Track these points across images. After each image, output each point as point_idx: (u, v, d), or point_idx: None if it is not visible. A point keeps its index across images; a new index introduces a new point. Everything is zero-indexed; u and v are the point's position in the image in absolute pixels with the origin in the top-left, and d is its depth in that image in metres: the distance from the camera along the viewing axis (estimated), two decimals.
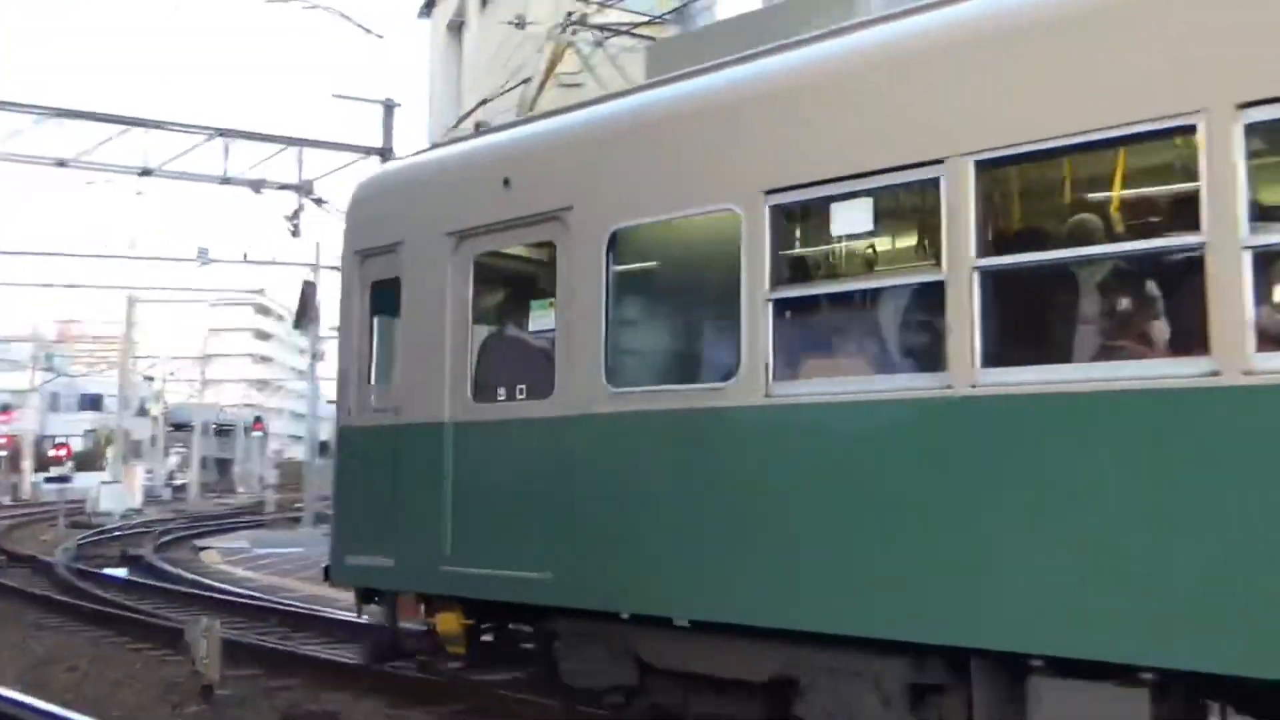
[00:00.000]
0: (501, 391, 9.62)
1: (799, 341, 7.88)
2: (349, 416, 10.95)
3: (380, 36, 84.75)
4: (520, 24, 23.13)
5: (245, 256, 46.88)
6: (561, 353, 9.05)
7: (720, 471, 7.90)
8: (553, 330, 9.22)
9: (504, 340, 10.09)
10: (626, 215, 8.74)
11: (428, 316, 10.21)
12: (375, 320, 10.90)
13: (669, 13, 18.97)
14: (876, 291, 7.83)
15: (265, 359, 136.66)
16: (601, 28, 17.77)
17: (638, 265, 9.12)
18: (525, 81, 20.16)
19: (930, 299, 7.03)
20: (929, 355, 7.11)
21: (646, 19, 18.67)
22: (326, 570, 11.14)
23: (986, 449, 6.68)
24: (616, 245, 8.79)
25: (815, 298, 8.06)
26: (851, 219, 7.54)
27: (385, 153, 31.97)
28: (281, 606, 17.40)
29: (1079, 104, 6.47)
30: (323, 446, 57.07)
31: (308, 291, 9.23)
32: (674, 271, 9.15)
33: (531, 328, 9.74)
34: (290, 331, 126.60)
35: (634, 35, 17.71)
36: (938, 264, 6.99)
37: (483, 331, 10.09)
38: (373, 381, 10.89)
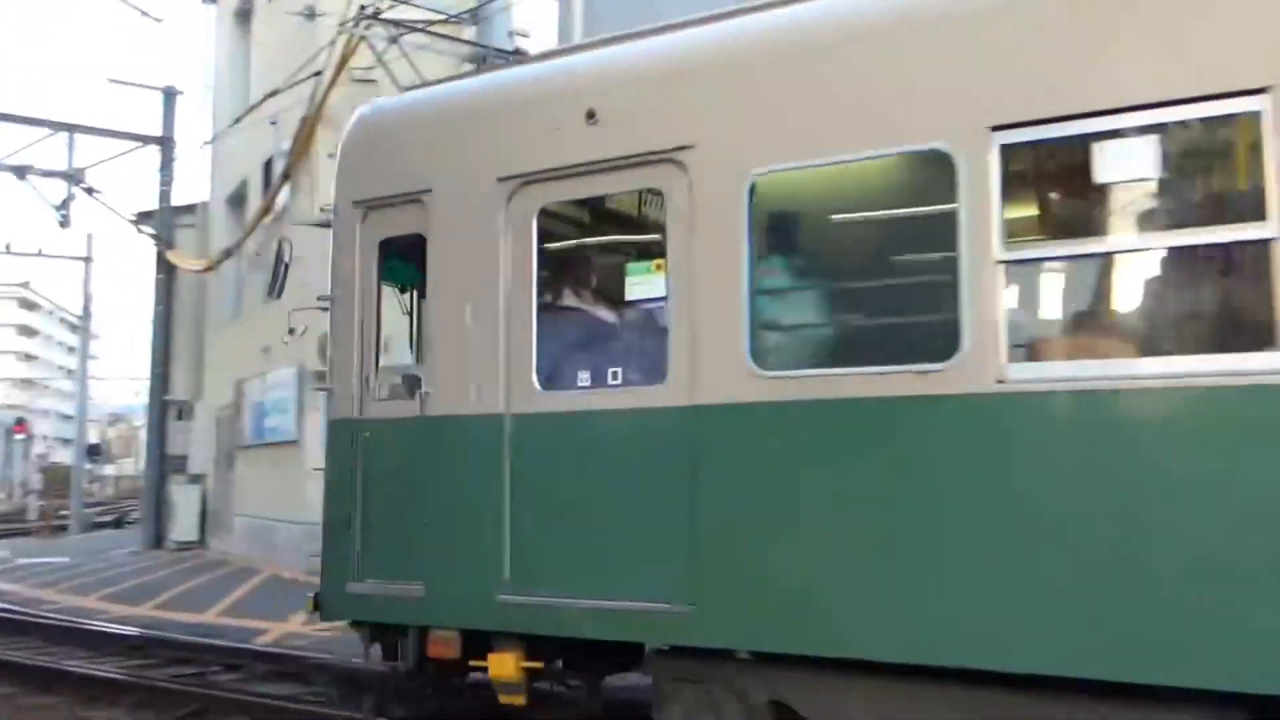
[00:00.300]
0: (584, 377, 7.70)
1: (1039, 313, 6.85)
2: (349, 408, 8.63)
3: (159, 20, 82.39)
4: (310, 15, 22.57)
5: (8, 248, 45.18)
6: (681, 329, 7.17)
7: (934, 474, 6.24)
8: (661, 300, 7.40)
9: (584, 313, 8.30)
10: (775, 157, 6.97)
11: (470, 283, 8.11)
12: (383, 289, 8.88)
13: (465, 12, 18.78)
14: (1164, 251, 6.28)
15: (30, 357, 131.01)
16: (396, 23, 17.46)
17: (790, 219, 7.36)
18: (317, 75, 19.61)
19: (1251, 259, 5.79)
20: (1254, 330, 5.76)
21: (442, 17, 18.42)
22: (315, 599, 8.70)
23: None
24: (757, 194, 7.03)
25: (1070, 258, 6.59)
26: (1127, 161, 5.99)
27: (165, 141, 30.88)
28: (42, 620, 16.61)
29: None
30: (92, 450, 54.90)
31: (284, 252, 7.99)
32: (842, 228, 7.30)
33: (629, 296, 7.79)
34: (59, 327, 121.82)
35: (429, 33, 17.34)
36: (1262, 217, 5.64)
37: (552, 302, 8.26)
38: (380, 365, 8.70)
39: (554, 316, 8.13)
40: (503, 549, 7.76)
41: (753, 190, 7.04)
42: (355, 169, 8.92)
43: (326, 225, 9.26)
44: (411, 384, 8.40)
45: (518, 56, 9.70)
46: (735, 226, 7.06)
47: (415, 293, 9.26)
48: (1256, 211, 5.73)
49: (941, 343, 6.32)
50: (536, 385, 7.80)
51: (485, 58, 11.82)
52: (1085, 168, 6.15)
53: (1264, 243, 5.66)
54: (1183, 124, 6.01)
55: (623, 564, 7.32)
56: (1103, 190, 6.36)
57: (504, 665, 7.91)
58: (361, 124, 9.04)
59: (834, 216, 7.38)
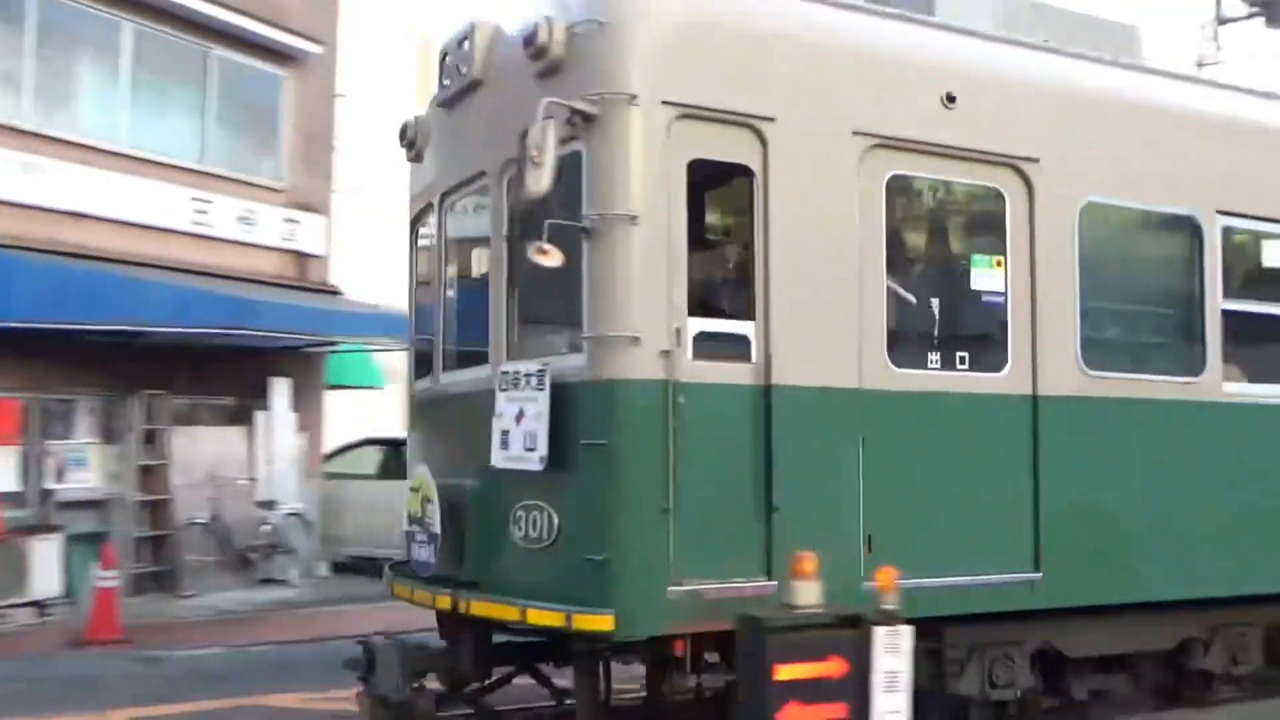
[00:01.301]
0: (934, 358, 8.02)
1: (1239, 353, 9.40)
2: (649, 365, 6.99)
3: None
4: None
5: None
6: (1019, 323, 8.42)
7: (1201, 457, 8.96)
8: (999, 294, 8.31)
9: (930, 292, 8.29)
10: (1104, 190, 8.78)
11: (822, 241, 7.65)
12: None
13: None
14: None
15: None
16: None
17: (1107, 246, 8.98)
18: None
19: None
20: None
21: None
22: (617, 616, 6.87)
23: None
24: (1085, 218, 8.73)
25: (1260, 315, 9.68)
26: None
27: None
28: None
29: None
30: None
31: None
32: (1137, 262, 9.37)
33: (973, 286, 8.31)
34: None
35: None
36: None
37: (896, 276, 8.02)
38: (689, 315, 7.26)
39: (899, 293, 8.06)
40: (858, 531, 7.60)
41: (1083, 213, 8.66)
42: (669, 57, 7.39)
43: None
44: (738, 344, 7.43)
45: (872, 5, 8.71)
46: (1068, 243, 8.58)
47: (727, 234, 8.52)
48: None
49: (1195, 363, 9.06)
50: (887, 361, 7.87)
51: None
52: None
53: None
54: None
55: (971, 541, 8.09)
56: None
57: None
58: (675, 5, 7.60)
59: (1134, 251, 9.41)
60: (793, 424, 7.35)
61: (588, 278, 7.24)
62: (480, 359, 8.23)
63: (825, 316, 7.60)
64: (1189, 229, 8.97)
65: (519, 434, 7.42)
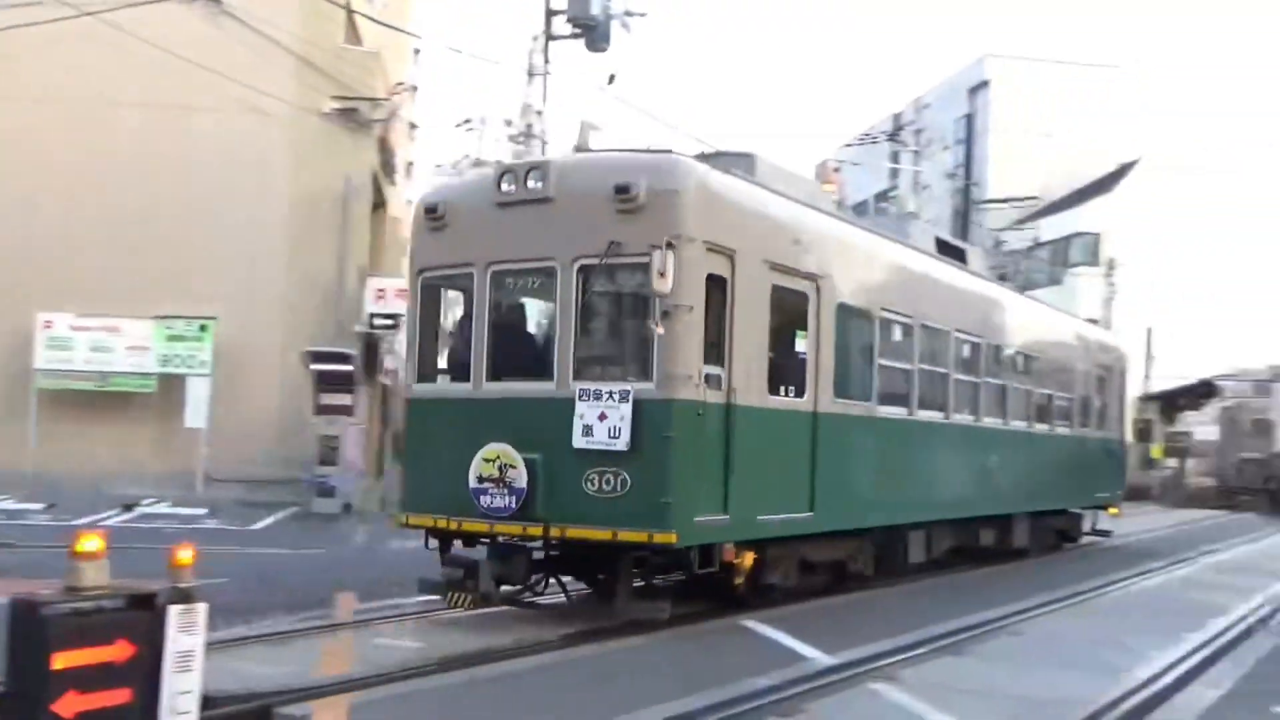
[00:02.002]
0: (781, 390, 14.44)
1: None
2: (692, 392, 12.85)
3: None
4: None
5: None
6: (809, 370, 14.82)
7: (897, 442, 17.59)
8: (804, 354, 14.78)
9: (781, 352, 14.45)
10: (848, 297, 15.60)
11: (750, 319, 13.65)
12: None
13: None
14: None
15: None
16: None
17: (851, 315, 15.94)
18: None
19: None
20: None
21: None
22: (677, 534, 12.34)
23: None
24: (839, 312, 15.40)
25: None
26: None
27: None
28: None
29: None
30: None
31: None
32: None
33: (796, 348, 14.71)
34: None
35: None
36: None
37: (771, 343, 14.26)
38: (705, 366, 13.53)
39: (769, 354, 14.08)
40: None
41: (836, 309, 15.22)
42: (700, 213, 12.87)
43: None
44: (719, 380, 13.18)
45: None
46: (830, 325, 14.97)
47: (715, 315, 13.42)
48: None
49: (869, 394, 16.52)
50: (768, 392, 13.86)
51: None
52: None
53: None
54: None
55: (785, 495, 14.29)
56: None
57: (747, 560, 13.97)
58: (704, 184, 13.13)
59: (852, 330, 16.01)
60: (740, 426, 13.35)
61: (657, 335, 12.53)
62: (531, 375, 13.35)
63: (751, 365, 13.63)
64: (868, 319, 16.39)
65: (602, 427, 12.55)
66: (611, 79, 23.92)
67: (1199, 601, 17.46)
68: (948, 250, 20.65)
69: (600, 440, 12.72)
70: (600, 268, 12.99)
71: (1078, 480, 26.28)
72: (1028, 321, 23.48)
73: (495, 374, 13.90)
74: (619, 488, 12.66)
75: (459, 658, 11.80)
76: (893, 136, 51.74)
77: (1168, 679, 11.45)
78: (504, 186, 13.87)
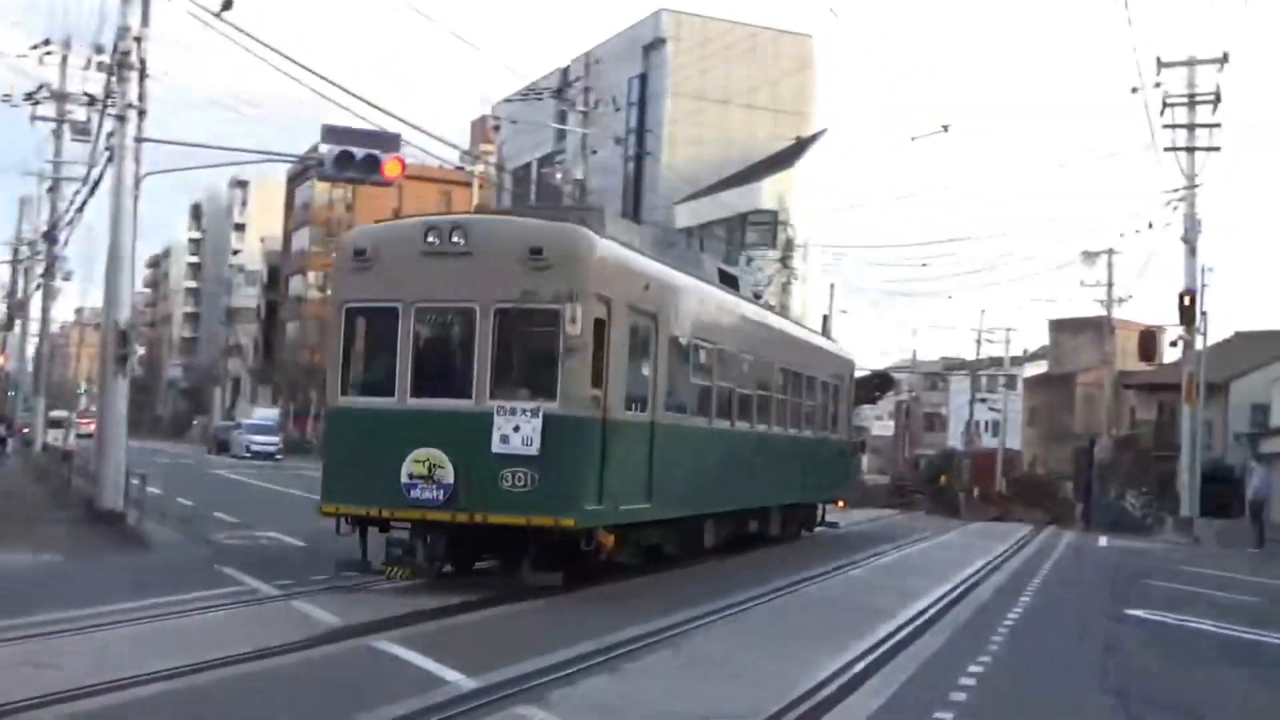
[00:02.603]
0: (632, 406, 19.01)
1: None
2: (582, 407, 17.66)
3: None
4: None
5: None
6: (649, 390, 19.48)
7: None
8: (648, 378, 19.46)
9: (638, 375, 19.49)
10: (682, 333, 20.80)
11: (624, 352, 18.75)
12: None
13: None
14: None
15: None
16: None
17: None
18: None
19: None
20: None
21: None
22: (576, 519, 17.26)
23: None
24: (673, 343, 20.40)
25: None
26: None
27: None
28: None
29: None
30: None
31: None
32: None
33: (643, 373, 19.44)
34: None
35: None
36: None
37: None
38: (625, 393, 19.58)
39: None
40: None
41: (669, 341, 20.06)
42: (595, 274, 17.59)
43: None
44: (597, 400, 17.72)
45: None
46: (664, 354, 19.74)
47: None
48: None
49: (707, 412, 22.70)
50: (623, 408, 18.49)
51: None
52: None
53: None
54: None
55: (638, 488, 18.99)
56: None
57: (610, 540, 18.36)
58: (596, 248, 17.95)
59: (681, 359, 21.07)
60: (611, 435, 17.83)
61: (563, 366, 17.27)
62: (451, 393, 17.50)
63: (617, 387, 18.09)
64: (686, 346, 21.10)
65: (517, 437, 17.01)
66: (227, 5, 22.47)
67: (868, 605, 18.62)
68: (726, 279, 25.50)
69: (515, 447, 17.12)
70: (514, 311, 17.52)
71: (817, 478, 31.87)
72: (783, 338, 28.86)
73: (418, 391, 17.92)
74: (529, 484, 17.06)
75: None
76: (559, 94, 51.04)
77: (831, 688, 11.75)
78: (430, 239, 17.96)
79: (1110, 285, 60.92)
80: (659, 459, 19.66)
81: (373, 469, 17.70)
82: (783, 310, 42.87)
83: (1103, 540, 40.70)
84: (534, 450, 17.09)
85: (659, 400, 19.83)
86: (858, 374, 37.40)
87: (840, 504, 35.04)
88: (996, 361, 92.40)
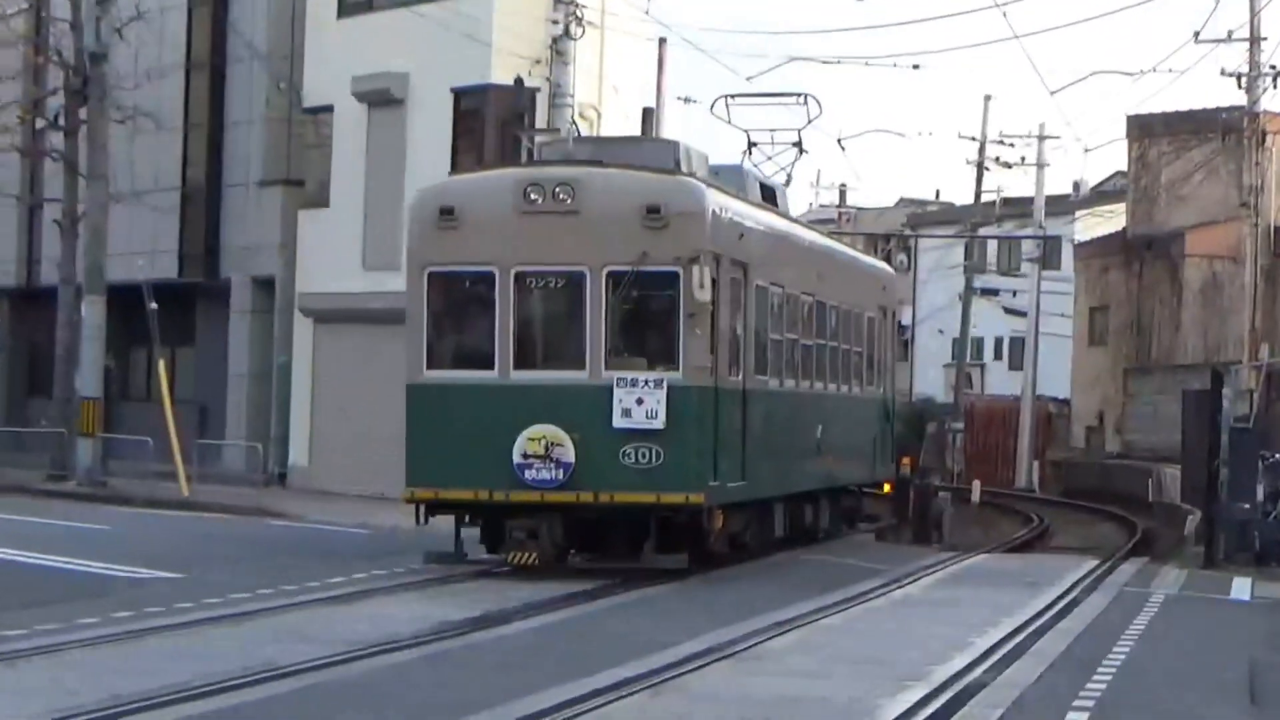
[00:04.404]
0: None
1: None
2: (707, 377, 21.66)
3: None
4: None
5: None
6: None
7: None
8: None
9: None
10: (771, 281, 25.33)
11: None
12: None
13: None
14: None
15: None
16: None
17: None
18: None
19: None
20: None
21: None
22: (706, 495, 21.00)
23: None
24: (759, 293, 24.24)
25: None
26: None
27: None
28: None
29: None
30: None
31: None
32: None
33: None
34: None
35: None
36: None
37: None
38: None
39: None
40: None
41: (756, 290, 24.59)
42: (715, 230, 21.54)
43: None
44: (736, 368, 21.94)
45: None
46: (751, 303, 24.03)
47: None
48: None
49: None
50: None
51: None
52: None
53: None
54: None
55: None
56: None
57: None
58: (717, 205, 22.20)
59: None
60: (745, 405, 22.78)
61: (685, 333, 20.55)
62: (562, 365, 21.10)
63: (735, 352, 22.27)
64: (773, 298, 24.58)
65: (640, 410, 20.02)
66: None
67: None
68: (767, 195, 26.33)
69: (639, 420, 19.97)
70: (630, 275, 20.24)
71: (861, 452, 31.03)
72: (833, 265, 29.53)
73: (522, 363, 20.63)
74: (654, 459, 19.96)
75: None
76: None
77: None
78: (531, 196, 20.40)
79: (1256, 42, 43.88)
80: (750, 430, 22.00)
81: (475, 449, 20.30)
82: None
83: (1241, 589, 25.67)
84: (659, 424, 19.76)
85: (749, 362, 22.16)
86: None
87: (887, 487, 34.38)
88: (1018, 207, 70.67)
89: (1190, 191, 57.27)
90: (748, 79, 43.07)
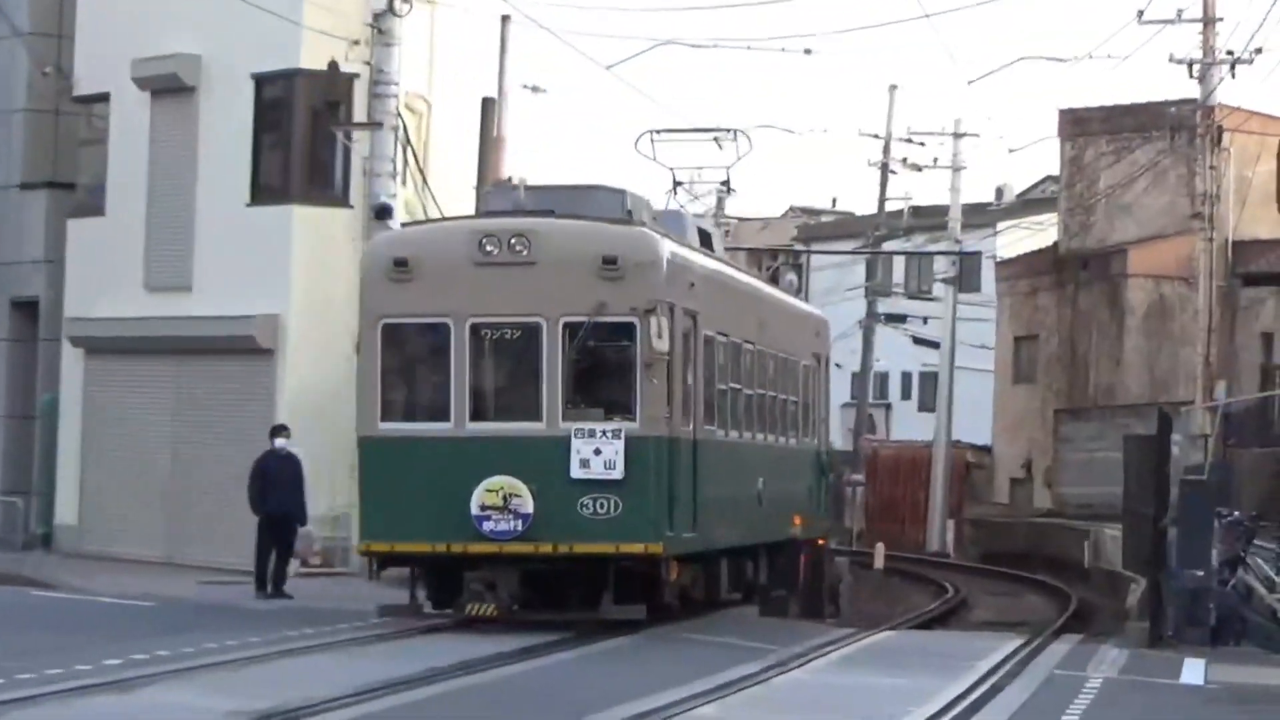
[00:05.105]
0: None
1: None
2: (663, 427, 24.60)
3: None
4: None
5: None
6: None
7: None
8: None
9: None
10: (715, 329, 28.54)
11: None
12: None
13: None
14: None
15: None
16: None
17: None
18: None
19: None
20: None
21: None
22: (664, 545, 24.38)
23: None
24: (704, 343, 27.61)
25: None
26: None
27: None
28: None
29: None
30: None
31: None
32: None
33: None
34: None
35: None
36: None
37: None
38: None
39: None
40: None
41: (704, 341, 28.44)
42: (670, 280, 25.21)
43: None
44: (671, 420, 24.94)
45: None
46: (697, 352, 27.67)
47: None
48: None
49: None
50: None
51: None
52: None
53: None
54: None
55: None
56: None
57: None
58: (673, 254, 26.20)
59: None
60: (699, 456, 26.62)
61: (642, 384, 24.26)
62: (518, 416, 24.79)
63: (686, 404, 25.77)
64: (719, 346, 28.25)
65: (598, 460, 23.61)
66: None
67: None
68: (705, 240, 29.94)
69: (597, 471, 23.22)
70: (587, 325, 23.42)
71: (797, 504, 34.59)
72: (769, 309, 33.14)
73: (478, 415, 24.01)
74: (613, 509, 23.27)
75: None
76: None
77: None
78: (486, 248, 23.83)
79: (1211, 23, 46.35)
80: (700, 481, 24.95)
81: (431, 501, 23.45)
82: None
83: (1194, 672, 26.38)
84: (617, 474, 23.02)
85: (698, 413, 25.26)
86: None
87: (820, 541, 37.97)
88: (930, 218, 73.61)
89: (1134, 200, 58.95)
90: (608, 68, 43.10)
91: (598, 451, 22.71)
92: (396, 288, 24.12)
